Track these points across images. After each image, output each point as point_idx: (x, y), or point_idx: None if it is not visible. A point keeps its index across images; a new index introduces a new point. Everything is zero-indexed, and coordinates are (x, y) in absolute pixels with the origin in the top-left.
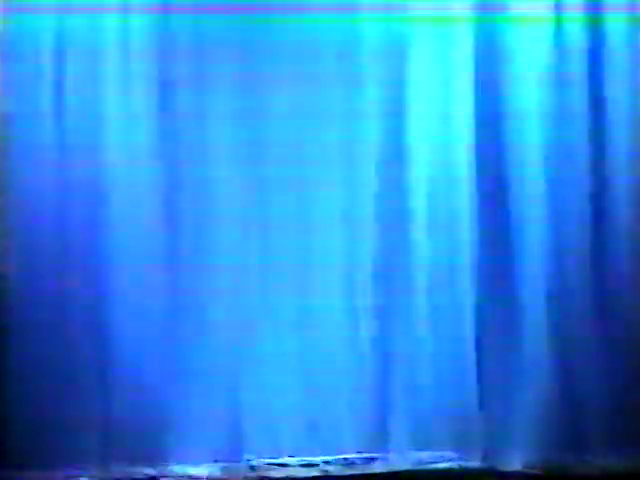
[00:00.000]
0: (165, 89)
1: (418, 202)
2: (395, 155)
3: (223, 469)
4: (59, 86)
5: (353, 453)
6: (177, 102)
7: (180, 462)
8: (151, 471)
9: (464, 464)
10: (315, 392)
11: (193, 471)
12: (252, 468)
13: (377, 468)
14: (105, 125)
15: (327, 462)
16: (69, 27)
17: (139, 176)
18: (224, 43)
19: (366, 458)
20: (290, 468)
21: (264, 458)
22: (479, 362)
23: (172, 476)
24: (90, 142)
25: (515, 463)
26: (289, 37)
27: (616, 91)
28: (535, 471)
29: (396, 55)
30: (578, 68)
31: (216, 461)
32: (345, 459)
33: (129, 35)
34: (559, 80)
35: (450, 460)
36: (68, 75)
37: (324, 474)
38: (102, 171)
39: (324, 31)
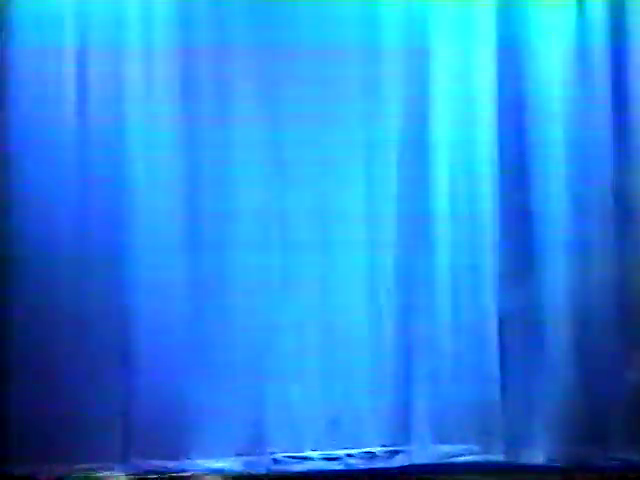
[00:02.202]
0: (187, 81)
1: (440, 200)
2: (417, 151)
3: (246, 463)
4: (81, 84)
5: (376, 447)
6: (199, 100)
7: (203, 456)
8: (173, 465)
9: (486, 458)
10: (338, 386)
11: (216, 465)
12: (275, 462)
13: (400, 461)
14: (127, 121)
15: (350, 455)
16: (91, 24)
17: (160, 172)
18: (245, 40)
19: (389, 452)
20: (313, 462)
21: (287, 452)
22: (501, 357)
23: (195, 470)
24: (111, 139)
25: (537, 457)
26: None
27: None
28: (557, 465)
29: (417, 52)
30: (600, 59)
31: (239, 455)
32: (368, 452)
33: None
34: (582, 70)
35: (472, 454)
36: (90, 73)
37: (347, 467)
38: (123, 168)
39: (344, 16)
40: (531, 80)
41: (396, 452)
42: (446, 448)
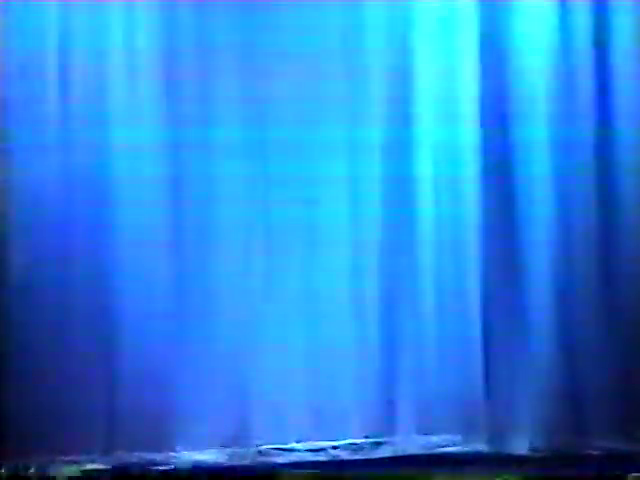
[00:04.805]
0: (170, 84)
1: (424, 185)
2: (401, 138)
3: (230, 455)
4: (63, 81)
5: (360, 438)
6: (182, 99)
7: (187, 448)
8: (158, 457)
9: (470, 448)
10: (322, 378)
11: (200, 457)
12: (260, 454)
13: (384, 452)
14: (110, 120)
15: (334, 447)
16: (73, 22)
17: (143, 170)
18: (227, 35)
19: (373, 443)
20: (297, 453)
21: (271, 444)
22: (485, 347)
23: (179, 462)
24: (94, 137)
25: (521, 446)
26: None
27: (622, 64)
28: (540, 454)
29: (400, 34)
30: (584, 56)
31: (223, 447)
32: (352, 444)
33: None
34: (565, 68)
35: (456, 444)
36: (72, 70)
37: (331, 459)
38: (106, 166)
39: (327, 18)
40: (514, 79)
41: (380, 443)
42: (430, 439)
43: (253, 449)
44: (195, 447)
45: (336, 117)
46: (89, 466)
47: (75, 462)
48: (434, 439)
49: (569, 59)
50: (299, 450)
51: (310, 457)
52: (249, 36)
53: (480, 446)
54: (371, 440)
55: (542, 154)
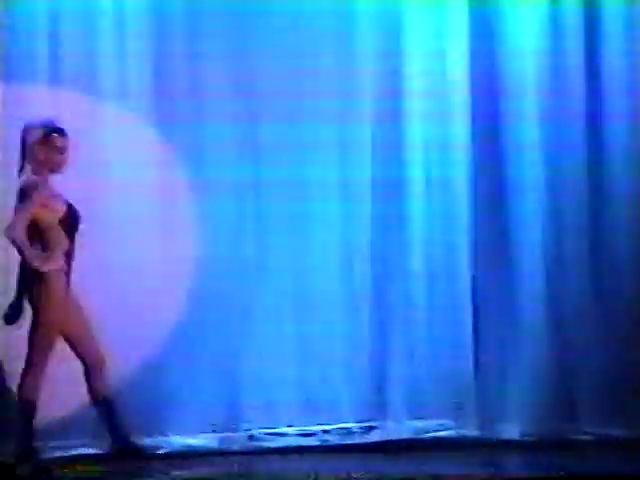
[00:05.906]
0: (161, 80)
1: (414, 169)
2: (391, 126)
3: (221, 439)
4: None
5: (351, 422)
6: (174, 98)
7: (178, 433)
8: (149, 442)
9: (461, 433)
10: (313, 363)
11: (191, 441)
12: (250, 438)
13: (375, 437)
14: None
15: (325, 431)
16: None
17: (136, 174)
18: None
19: (364, 427)
20: (288, 437)
21: (262, 428)
22: (476, 332)
23: (170, 447)
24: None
25: (511, 432)
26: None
27: (612, 51)
28: (531, 439)
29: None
30: (574, 42)
31: (214, 431)
32: (343, 428)
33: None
34: (555, 53)
35: (447, 429)
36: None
37: (322, 443)
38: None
39: (318, 12)
40: (505, 78)
41: (371, 428)
42: (421, 424)
43: (244, 434)
44: (186, 432)
45: (326, 114)
46: (81, 451)
47: (68, 448)
48: (425, 424)
49: (559, 40)
50: (290, 434)
51: (301, 441)
52: (241, 31)
53: (471, 431)
54: (362, 425)
55: (533, 149)
